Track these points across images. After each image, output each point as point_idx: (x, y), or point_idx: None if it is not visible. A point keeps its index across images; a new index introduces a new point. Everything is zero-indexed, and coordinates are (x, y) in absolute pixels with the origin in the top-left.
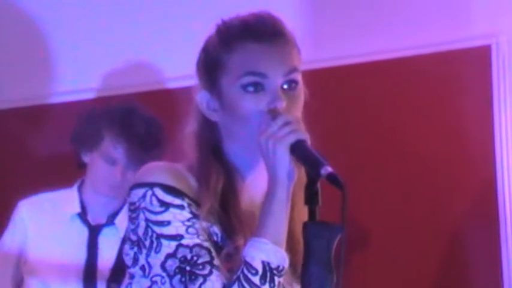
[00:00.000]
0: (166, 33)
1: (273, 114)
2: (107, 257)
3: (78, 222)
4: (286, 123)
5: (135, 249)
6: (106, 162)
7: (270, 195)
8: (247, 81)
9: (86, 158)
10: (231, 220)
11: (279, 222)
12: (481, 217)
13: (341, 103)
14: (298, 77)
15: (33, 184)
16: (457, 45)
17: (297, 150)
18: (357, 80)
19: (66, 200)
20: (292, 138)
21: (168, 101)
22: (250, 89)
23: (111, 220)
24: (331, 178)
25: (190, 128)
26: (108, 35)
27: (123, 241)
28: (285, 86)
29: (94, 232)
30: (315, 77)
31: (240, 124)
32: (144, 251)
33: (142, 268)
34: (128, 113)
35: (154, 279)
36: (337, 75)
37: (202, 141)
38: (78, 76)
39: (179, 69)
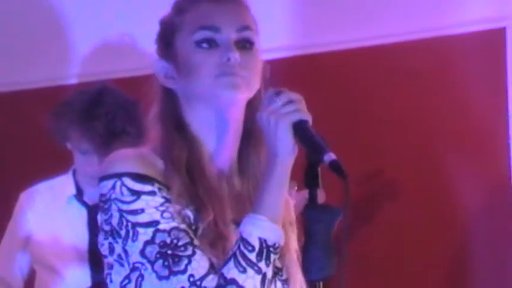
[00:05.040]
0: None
1: (277, 91)
2: None
3: (75, 204)
4: (290, 101)
5: (110, 239)
6: (80, 153)
7: (269, 171)
8: (201, 36)
9: (68, 146)
10: (199, 195)
11: (276, 199)
12: (494, 201)
13: (343, 88)
14: (254, 37)
15: (47, 164)
16: (470, 28)
17: (299, 130)
18: (364, 64)
19: (63, 184)
20: (295, 117)
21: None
22: (204, 45)
23: None
24: (334, 166)
25: (154, 109)
26: (99, 20)
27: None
28: (240, 44)
29: (93, 212)
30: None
31: (194, 80)
32: (120, 241)
33: (119, 257)
34: (88, 111)
35: (135, 265)
36: (341, 59)
37: (164, 117)
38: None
39: None
